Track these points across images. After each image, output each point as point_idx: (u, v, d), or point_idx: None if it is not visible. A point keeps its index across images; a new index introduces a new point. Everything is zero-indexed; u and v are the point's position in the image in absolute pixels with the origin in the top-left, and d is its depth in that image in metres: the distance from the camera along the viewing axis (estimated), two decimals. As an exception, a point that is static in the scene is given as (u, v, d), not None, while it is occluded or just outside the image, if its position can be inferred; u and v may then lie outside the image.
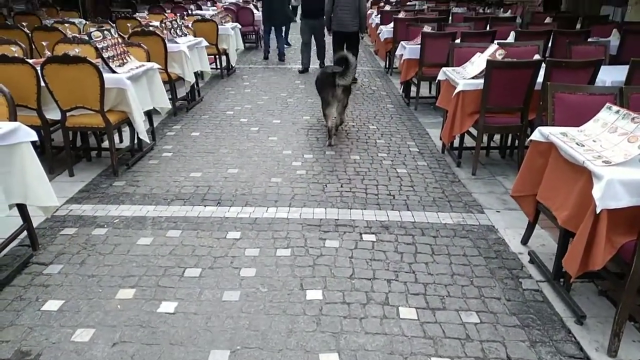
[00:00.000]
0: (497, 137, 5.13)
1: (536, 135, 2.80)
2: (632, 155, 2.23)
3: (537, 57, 4.36)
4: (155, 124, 5.27)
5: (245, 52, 11.28)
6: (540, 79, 4.07)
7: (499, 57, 4.18)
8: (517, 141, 4.55)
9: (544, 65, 4.08)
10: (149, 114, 4.91)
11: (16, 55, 4.17)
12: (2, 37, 4.94)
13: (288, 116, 6.29)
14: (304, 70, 9.14)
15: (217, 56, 8.38)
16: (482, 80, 4.08)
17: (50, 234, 3.32)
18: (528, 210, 3.07)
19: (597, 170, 2.20)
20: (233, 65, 8.97)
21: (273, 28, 10.28)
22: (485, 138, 4.82)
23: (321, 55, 9.12)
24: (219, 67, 8.56)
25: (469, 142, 4.69)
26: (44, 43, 4.70)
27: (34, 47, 5.92)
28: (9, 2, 10.34)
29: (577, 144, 2.50)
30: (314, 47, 9.13)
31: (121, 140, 5.20)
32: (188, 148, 5.06)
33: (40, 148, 4.50)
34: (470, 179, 4.36)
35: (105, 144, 4.77)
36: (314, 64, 9.33)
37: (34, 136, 2.80)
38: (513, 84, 4.04)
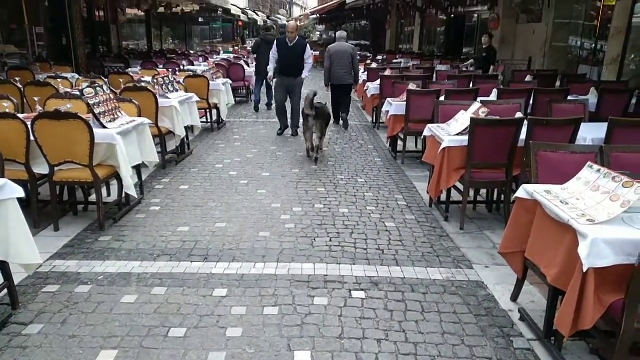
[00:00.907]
0: (483, 191, 5.20)
1: (521, 192, 2.85)
2: (615, 214, 2.27)
3: (519, 115, 4.51)
4: (144, 177, 5.27)
5: (235, 106, 11.48)
6: (523, 136, 4.18)
7: (483, 115, 4.31)
8: (503, 196, 4.62)
9: (526, 122, 4.21)
10: (138, 168, 4.93)
11: (7, 110, 4.21)
12: (-6, 92, 5.00)
13: (277, 169, 6.34)
14: (282, 132, 8.44)
15: (207, 110, 8.52)
16: (466, 137, 4.18)
17: (31, 291, 3.23)
18: (516, 267, 3.07)
19: (582, 229, 2.24)
20: (224, 119, 9.10)
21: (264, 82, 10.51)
22: (471, 192, 4.88)
23: (295, 121, 8.23)
24: (209, 120, 8.68)
25: (455, 196, 4.75)
26: (35, 98, 4.76)
27: (26, 101, 5.98)
28: (4, 57, 10.54)
29: (561, 202, 2.54)
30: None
31: (109, 194, 5.17)
32: (176, 202, 5.04)
33: (26, 202, 4.45)
34: (458, 233, 4.37)
35: (93, 197, 4.73)
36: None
37: (20, 193, 2.79)
38: (497, 141, 4.15)
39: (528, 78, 8.07)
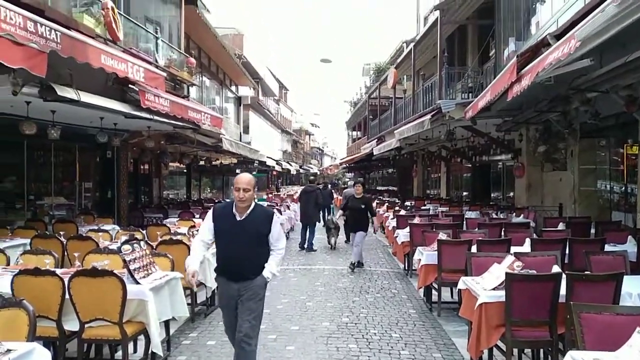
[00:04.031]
0: (528, 350, 4.84)
1: (569, 360, 2.64)
2: (679, 392, 2.05)
3: (556, 268, 4.37)
4: (172, 331, 5.17)
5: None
6: (563, 290, 4.00)
7: (517, 269, 4.19)
8: (550, 357, 4.27)
9: (564, 276, 4.06)
10: (167, 322, 4.87)
11: (48, 266, 4.37)
12: (39, 247, 5.26)
13: (307, 322, 6.14)
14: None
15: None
16: (503, 292, 4.03)
17: None
18: None
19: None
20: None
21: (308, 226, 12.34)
22: (516, 352, 4.54)
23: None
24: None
25: (498, 355, 4.42)
26: (75, 254, 4.96)
27: (66, 255, 6.22)
28: (52, 208, 11.25)
29: (615, 373, 2.33)
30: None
31: (135, 350, 5.03)
32: (202, 359, 4.85)
33: (52, 360, 4.37)
34: (505, 400, 3.98)
35: (119, 354, 4.62)
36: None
37: (48, 358, 2.75)
38: (535, 296, 3.98)
39: (561, 226, 7.99)
